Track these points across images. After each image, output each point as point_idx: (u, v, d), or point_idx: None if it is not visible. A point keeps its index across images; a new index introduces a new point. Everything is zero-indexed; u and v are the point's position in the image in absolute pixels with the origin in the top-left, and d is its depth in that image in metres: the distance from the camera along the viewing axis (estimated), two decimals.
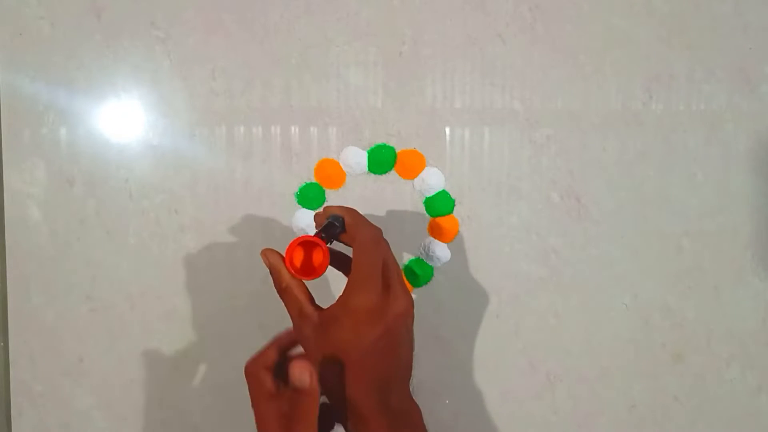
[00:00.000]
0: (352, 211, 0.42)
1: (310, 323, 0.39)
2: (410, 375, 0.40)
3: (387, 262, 0.40)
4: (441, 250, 0.52)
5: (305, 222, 0.51)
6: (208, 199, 0.51)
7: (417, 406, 0.39)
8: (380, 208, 0.52)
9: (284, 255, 0.40)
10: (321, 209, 0.45)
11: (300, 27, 0.51)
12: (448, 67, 0.51)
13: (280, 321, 0.52)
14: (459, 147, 0.51)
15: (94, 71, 0.50)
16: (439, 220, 0.52)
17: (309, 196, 0.51)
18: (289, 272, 0.41)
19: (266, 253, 0.41)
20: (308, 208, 0.51)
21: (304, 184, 0.51)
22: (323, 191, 0.51)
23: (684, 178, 0.52)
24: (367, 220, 0.42)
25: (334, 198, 0.51)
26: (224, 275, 0.51)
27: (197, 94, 0.51)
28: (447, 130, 0.51)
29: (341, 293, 0.40)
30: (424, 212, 0.52)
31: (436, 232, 0.52)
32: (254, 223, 0.51)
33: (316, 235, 0.41)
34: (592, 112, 0.52)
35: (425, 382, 0.52)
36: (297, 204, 0.51)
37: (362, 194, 0.51)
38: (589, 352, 0.53)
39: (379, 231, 0.41)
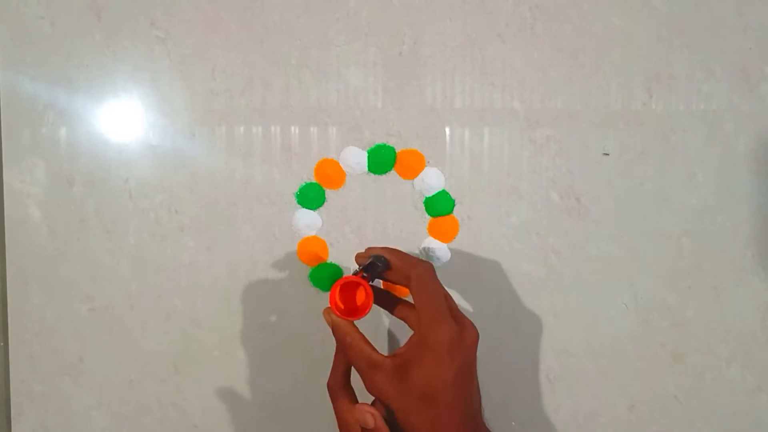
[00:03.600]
0: (396, 251, 0.42)
1: (383, 372, 0.38)
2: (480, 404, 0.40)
3: (446, 294, 0.41)
4: (441, 250, 0.52)
5: (305, 222, 0.51)
6: (208, 199, 0.51)
7: None
8: (380, 208, 0.52)
9: (329, 296, 0.41)
10: (362, 250, 0.45)
11: (300, 27, 0.51)
12: (448, 67, 0.51)
13: (281, 321, 0.52)
14: (459, 147, 0.51)
15: (94, 71, 0.50)
16: (439, 220, 0.52)
17: (309, 196, 0.51)
18: (336, 313, 0.41)
19: (327, 312, 0.42)
20: (308, 208, 0.51)
21: (304, 184, 0.51)
22: (323, 191, 0.51)
23: (684, 178, 0.52)
24: (414, 257, 0.42)
25: (334, 198, 0.51)
26: (224, 275, 0.51)
27: (197, 94, 0.51)
28: (447, 130, 0.51)
29: (413, 334, 0.40)
30: (424, 212, 0.52)
31: (436, 232, 0.52)
32: (254, 223, 0.51)
33: (357, 274, 0.41)
34: (592, 112, 0.52)
35: None
36: (297, 204, 0.51)
37: (362, 194, 0.51)
38: (589, 352, 0.53)
39: (431, 265, 0.41)
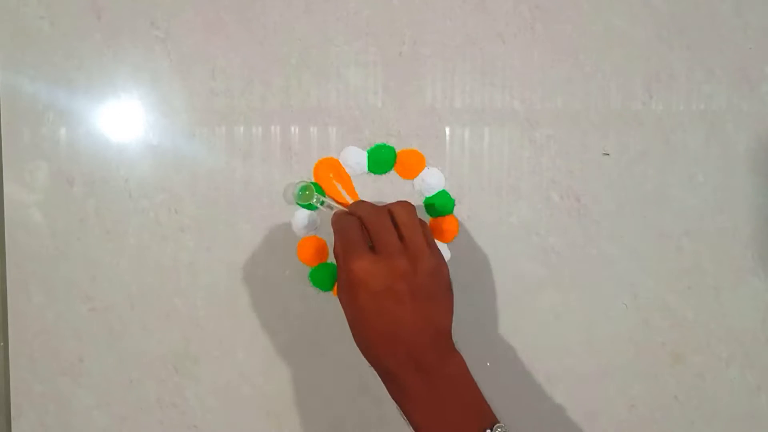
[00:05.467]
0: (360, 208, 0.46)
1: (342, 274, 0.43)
2: (431, 329, 0.41)
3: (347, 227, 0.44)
4: (441, 250, 0.51)
5: (305, 222, 0.51)
6: (208, 199, 0.51)
7: (457, 356, 0.42)
8: None
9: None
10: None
11: (300, 27, 0.51)
12: (448, 67, 0.51)
13: (281, 321, 0.52)
14: (459, 147, 0.51)
15: (94, 71, 0.50)
16: (439, 220, 0.52)
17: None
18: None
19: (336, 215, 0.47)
20: (308, 208, 0.51)
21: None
22: (323, 191, 0.51)
23: (684, 178, 0.52)
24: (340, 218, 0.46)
25: None
26: (224, 275, 0.51)
27: (197, 94, 0.51)
28: (447, 130, 0.51)
29: None
30: (424, 212, 0.52)
31: (436, 232, 0.52)
32: (254, 223, 0.51)
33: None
34: (592, 112, 0.52)
35: None
36: (297, 204, 0.51)
37: (362, 194, 0.51)
38: (589, 352, 0.53)
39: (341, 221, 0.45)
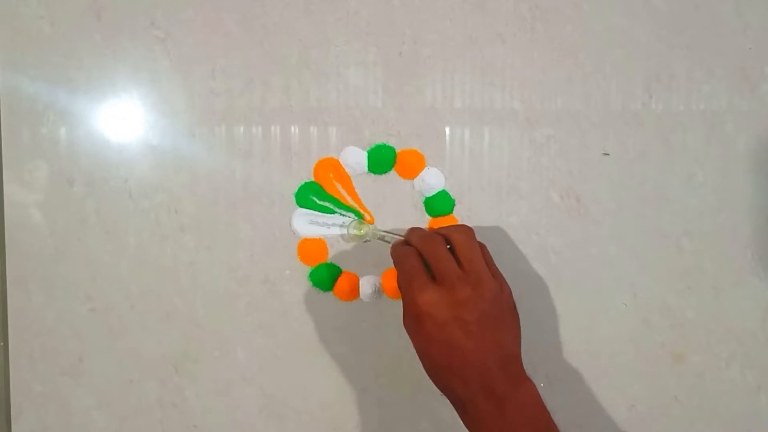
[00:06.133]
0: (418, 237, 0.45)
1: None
2: (499, 355, 0.41)
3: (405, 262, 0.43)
4: None
5: (305, 222, 0.51)
6: (208, 199, 0.51)
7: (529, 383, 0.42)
8: (380, 208, 0.52)
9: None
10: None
11: (300, 27, 0.51)
12: (448, 67, 0.51)
13: (281, 321, 0.52)
14: (459, 147, 0.51)
15: (94, 71, 0.50)
16: (439, 220, 0.52)
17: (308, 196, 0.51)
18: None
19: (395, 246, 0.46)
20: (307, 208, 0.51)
21: (303, 183, 0.51)
22: (324, 192, 0.51)
23: (684, 178, 0.52)
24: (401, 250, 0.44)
25: None
26: (224, 275, 0.51)
27: (197, 94, 0.51)
28: (447, 130, 0.51)
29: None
30: (424, 212, 0.52)
31: None
32: (254, 223, 0.51)
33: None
34: (592, 112, 0.52)
35: (425, 381, 0.52)
36: (296, 204, 0.51)
37: (362, 194, 0.51)
38: (589, 352, 0.53)
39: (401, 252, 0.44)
